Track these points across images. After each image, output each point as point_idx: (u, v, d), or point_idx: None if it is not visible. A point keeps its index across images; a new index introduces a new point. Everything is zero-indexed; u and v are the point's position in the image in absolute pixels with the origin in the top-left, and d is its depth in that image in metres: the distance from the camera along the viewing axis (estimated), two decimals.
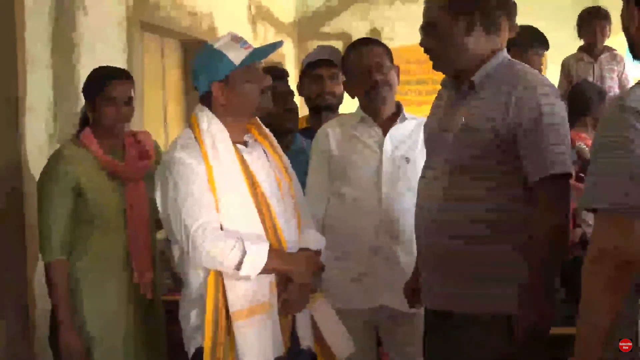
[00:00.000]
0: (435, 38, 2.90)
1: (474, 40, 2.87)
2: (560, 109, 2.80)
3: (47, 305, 3.64)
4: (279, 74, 4.09)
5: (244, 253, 2.80)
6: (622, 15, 2.25)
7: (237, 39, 2.99)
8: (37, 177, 3.79)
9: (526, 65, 3.00)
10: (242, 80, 2.95)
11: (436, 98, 3.12)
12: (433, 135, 3.01)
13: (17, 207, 3.94)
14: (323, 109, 4.21)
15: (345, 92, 3.83)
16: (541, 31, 5.34)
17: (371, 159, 3.56)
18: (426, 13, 2.95)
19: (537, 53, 5.19)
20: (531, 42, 5.13)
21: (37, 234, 3.54)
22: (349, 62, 3.65)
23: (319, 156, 3.66)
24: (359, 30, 9.91)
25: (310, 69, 4.24)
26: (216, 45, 2.97)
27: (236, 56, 2.93)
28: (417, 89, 9.28)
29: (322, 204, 3.60)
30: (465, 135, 2.83)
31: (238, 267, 2.81)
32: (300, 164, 3.65)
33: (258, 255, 2.83)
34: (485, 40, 2.89)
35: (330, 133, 3.64)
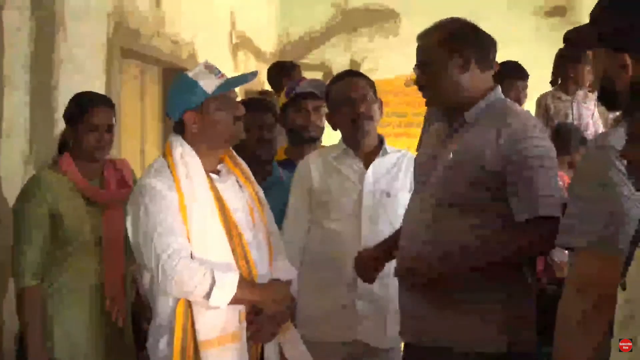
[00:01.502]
0: (430, 75, 2.91)
1: (469, 77, 2.88)
2: (549, 150, 2.81)
3: (14, 327, 3.62)
4: (265, 106, 4.09)
5: (214, 282, 2.78)
6: (598, 64, 2.26)
7: (211, 68, 2.99)
8: (10, 201, 3.77)
9: (518, 105, 3.02)
10: (214, 109, 2.95)
11: (425, 131, 3.13)
12: (422, 169, 3.01)
13: None
14: (307, 140, 4.22)
15: (328, 124, 3.84)
16: (520, 64, 5.41)
17: (352, 192, 3.56)
18: (420, 51, 2.96)
19: (519, 85, 5.26)
20: (513, 75, 5.19)
21: (9, 257, 3.51)
22: (332, 94, 3.66)
23: (300, 187, 3.65)
24: (339, 61, 9.97)
25: (295, 100, 4.25)
26: (190, 74, 2.98)
27: (209, 85, 2.94)
28: (396, 121, 9.33)
29: (301, 235, 3.59)
30: (453, 170, 2.83)
31: (207, 296, 2.79)
32: (277, 195, 3.65)
33: (228, 285, 2.81)
34: (480, 77, 2.90)
35: (312, 165, 3.65)
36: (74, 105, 3.58)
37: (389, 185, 3.57)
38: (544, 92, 6.50)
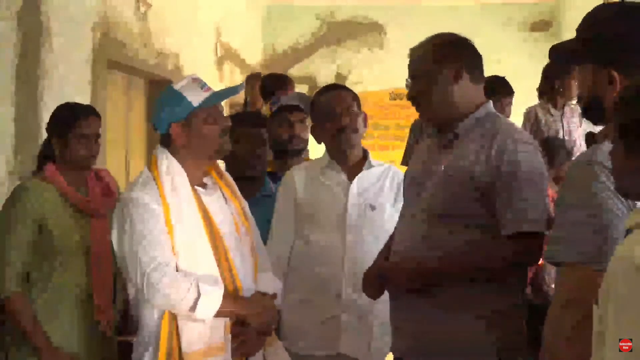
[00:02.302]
0: (421, 88, 2.91)
1: (460, 89, 2.88)
2: (539, 165, 2.81)
3: None
4: (256, 120, 4.09)
5: (199, 295, 2.78)
6: (584, 78, 2.27)
7: (197, 81, 3.00)
8: None
9: (509, 119, 3.02)
10: (201, 122, 2.95)
11: (411, 143, 3.13)
12: (413, 183, 3.00)
13: None
14: (291, 153, 4.23)
15: (312, 136, 3.84)
16: (506, 79, 5.44)
17: (336, 205, 3.55)
18: (411, 65, 2.96)
19: (503, 101, 5.28)
20: (499, 90, 5.21)
21: None
22: (317, 106, 3.66)
23: (285, 200, 3.65)
24: (324, 74, 10.01)
25: (280, 113, 4.26)
26: (176, 87, 2.98)
27: (195, 98, 2.94)
28: (381, 134, 9.34)
29: (286, 247, 3.59)
30: (444, 184, 2.83)
31: (192, 309, 2.79)
32: (269, 208, 3.67)
33: (213, 298, 2.81)
34: (471, 89, 2.91)
35: (296, 177, 3.64)
36: (62, 116, 3.58)
37: (374, 198, 3.57)
38: (528, 105, 6.51)
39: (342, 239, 3.51)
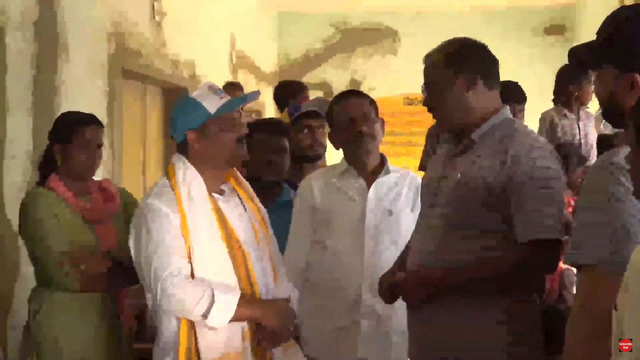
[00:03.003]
0: (437, 95, 2.90)
1: (476, 95, 2.86)
2: (556, 172, 2.79)
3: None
4: (274, 127, 4.07)
5: (212, 303, 2.79)
6: (604, 82, 2.25)
7: (213, 89, 3.00)
8: (13, 219, 3.79)
9: (526, 125, 2.99)
10: (217, 129, 2.95)
11: (428, 149, 3.10)
12: (429, 190, 2.98)
13: None
14: (311, 159, 4.24)
15: (330, 143, 3.82)
16: (519, 85, 5.42)
17: (354, 211, 3.55)
18: (427, 72, 2.94)
19: (515, 107, 5.26)
20: (511, 97, 5.19)
21: (11, 273, 3.50)
22: (334, 113, 3.65)
23: (302, 207, 3.64)
24: (338, 80, 10.02)
25: (300, 119, 4.27)
26: (193, 95, 3.00)
27: (211, 105, 2.95)
28: (394, 141, 9.31)
29: (303, 255, 3.59)
30: (459, 191, 2.81)
31: (205, 316, 2.80)
32: (286, 215, 3.67)
33: (226, 306, 2.81)
34: (487, 96, 2.88)
35: (314, 184, 3.64)
36: (64, 124, 3.59)
37: (391, 203, 3.57)
38: (542, 110, 6.49)
39: (361, 244, 3.51)
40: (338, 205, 3.57)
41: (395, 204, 3.57)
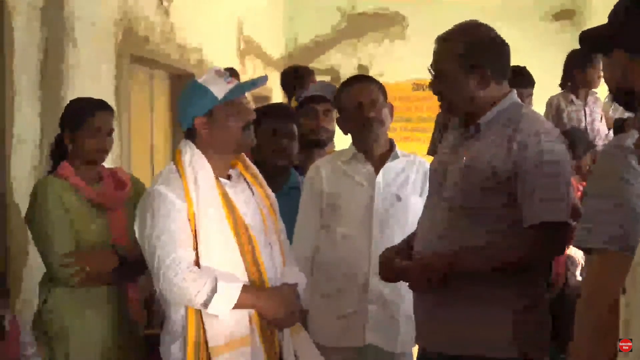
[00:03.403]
0: (446, 86, 2.89)
1: (484, 90, 2.85)
2: (562, 155, 2.79)
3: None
4: (286, 113, 4.05)
5: (214, 292, 2.79)
6: (615, 66, 2.23)
7: (220, 74, 2.99)
8: (21, 206, 3.79)
9: (533, 110, 2.97)
10: (224, 115, 2.95)
11: (436, 134, 3.09)
12: (436, 175, 2.99)
13: (1, 238, 3.92)
14: (315, 144, 4.22)
15: (338, 128, 3.82)
16: (527, 71, 5.39)
17: (362, 196, 3.55)
18: (437, 60, 2.91)
19: (522, 93, 5.23)
20: (518, 82, 5.16)
21: (20, 262, 3.50)
22: (342, 98, 3.65)
23: (310, 192, 3.64)
24: (346, 66, 10.01)
25: (305, 104, 4.26)
26: (200, 80, 2.98)
27: (219, 90, 2.94)
28: (402, 126, 9.31)
29: (311, 240, 3.59)
30: (466, 176, 2.81)
31: (206, 305, 2.80)
32: (294, 201, 3.67)
33: (228, 295, 2.81)
34: (497, 88, 2.88)
35: (322, 169, 3.64)
36: (75, 110, 3.59)
37: (400, 189, 3.56)
38: (551, 93, 6.47)
39: (369, 230, 3.51)
40: (346, 191, 3.57)
41: (404, 190, 3.56)
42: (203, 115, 2.95)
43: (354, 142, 3.64)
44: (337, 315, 3.53)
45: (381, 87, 3.64)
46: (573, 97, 6.27)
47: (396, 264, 2.96)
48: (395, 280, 3.02)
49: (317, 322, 3.54)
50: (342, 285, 3.52)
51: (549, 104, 6.37)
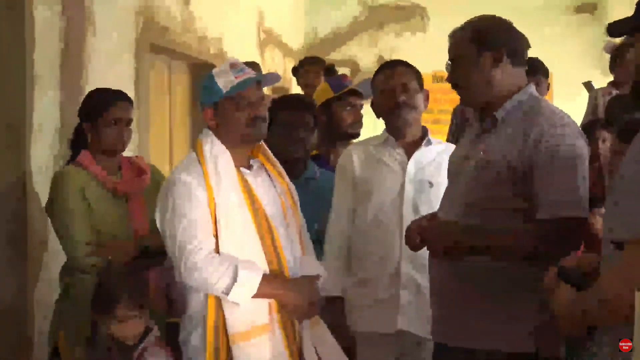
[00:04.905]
0: (461, 71, 2.89)
1: (501, 72, 2.84)
2: (580, 149, 2.75)
3: (45, 328, 3.64)
4: (304, 104, 4.04)
5: (234, 280, 2.80)
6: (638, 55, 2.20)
7: (235, 66, 3.00)
8: (41, 194, 3.80)
9: (551, 103, 2.96)
10: (229, 108, 2.97)
11: (453, 127, 3.08)
12: (454, 168, 3.00)
13: (20, 227, 3.96)
14: (350, 136, 4.26)
15: (372, 111, 3.81)
16: (539, 60, 5.36)
17: (394, 182, 3.54)
18: (452, 48, 2.93)
19: (540, 81, 5.20)
20: (535, 72, 5.13)
21: (40, 250, 3.51)
22: (376, 81, 3.67)
23: (343, 179, 3.66)
24: (366, 58, 9.98)
25: (343, 97, 4.28)
26: (213, 71, 3.01)
27: (225, 83, 2.95)
28: (422, 118, 9.26)
29: (346, 226, 3.60)
30: (482, 169, 2.81)
31: (227, 292, 2.81)
32: (311, 191, 3.68)
33: (248, 284, 2.83)
34: (512, 73, 2.87)
35: (354, 155, 3.65)
36: (94, 101, 3.61)
37: (432, 175, 3.55)
38: (572, 88, 6.42)
39: (400, 215, 3.50)
40: (378, 176, 3.57)
41: (436, 176, 3.54)
42: (210, 106, 2.98)
43: (386, 127, 3.66)
44: (369, 302, 3.54)
45: (417, 73, 3.65)
46: (614, 89, 6.19)
47: (419, 222, 2.99)
48: (420, 247, 3.01)
49: (350, 309, 3.56)
50: (374, 271, 3.53)
51: (591, 97, 6.31)
